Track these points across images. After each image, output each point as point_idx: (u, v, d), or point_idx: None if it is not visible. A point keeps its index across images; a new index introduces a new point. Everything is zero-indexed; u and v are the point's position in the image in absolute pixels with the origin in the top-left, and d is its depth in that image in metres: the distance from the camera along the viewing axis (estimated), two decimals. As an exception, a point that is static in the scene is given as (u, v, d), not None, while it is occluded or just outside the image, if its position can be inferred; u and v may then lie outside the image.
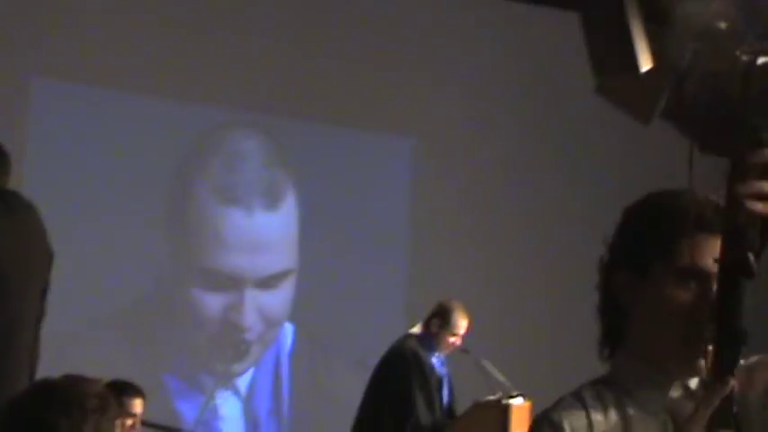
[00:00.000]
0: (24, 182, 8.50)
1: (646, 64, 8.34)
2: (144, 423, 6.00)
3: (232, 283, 9.54)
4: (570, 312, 10.56)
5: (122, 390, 5.71)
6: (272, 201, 9.73)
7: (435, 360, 7.32)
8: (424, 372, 7.12)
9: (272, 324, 9.69)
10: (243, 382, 9.68)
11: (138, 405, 5.91)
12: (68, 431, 2.16)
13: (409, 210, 10.26)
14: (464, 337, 7.37)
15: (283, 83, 9.75)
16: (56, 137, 9.13)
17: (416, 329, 7.42)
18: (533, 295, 10.46)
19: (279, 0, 9.88)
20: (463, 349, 7.33)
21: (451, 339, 7.28)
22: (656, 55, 8.47)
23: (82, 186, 9.12)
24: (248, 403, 9.63)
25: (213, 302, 9.52)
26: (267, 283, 9.66)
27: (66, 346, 8.60)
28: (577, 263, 10.55)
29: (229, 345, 9.57)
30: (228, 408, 9.62)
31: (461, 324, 7.28)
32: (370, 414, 7.16)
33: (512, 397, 7.01)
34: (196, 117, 9.63)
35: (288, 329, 9.80)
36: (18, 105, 9.04)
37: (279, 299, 9.74)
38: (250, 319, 9.55)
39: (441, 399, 7.25)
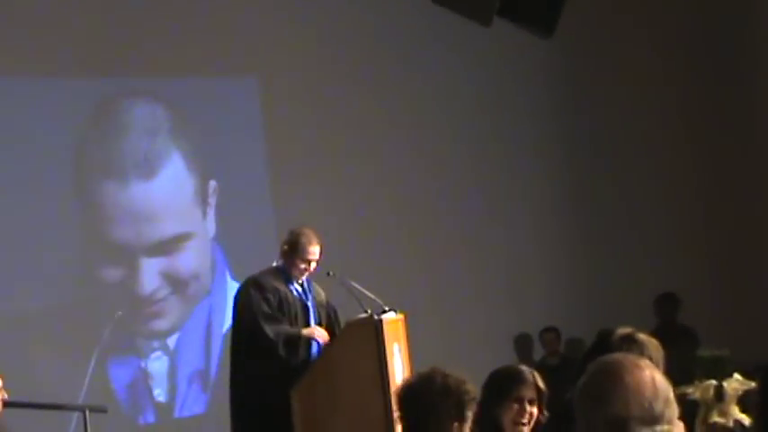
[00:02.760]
0: None
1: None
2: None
3: (125, 254, 9.52)
4: (436, 224, 10.74)
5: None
6: (148, 170, 9.67)
7: (293, 288, 7.35)
8: (265, 296, 7.17)
9: (180, 284, 9.66)
10: (171, 342, 9.70)
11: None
12: None
13: (265, 146, 10.29)
14: (325, 262, 7.38)
15: (122, 45, 9.66)
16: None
17: (276, 262, 7.47)
18: (398, 214, 10.56)
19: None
20: (327, 273, 7.34)
21: (302, 265, 7.29)
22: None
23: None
24: (174, 361, 9.64)
25: (115, 275, 9.49)
26: (160, 249, 9.63)
27: None
28: (436, 175, 10.79)
29: (145, 310, 9.58)
30: (157, 366, 9.65)
31: (310, 250, 7.29)
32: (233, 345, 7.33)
33: (384, 312, 7.02)
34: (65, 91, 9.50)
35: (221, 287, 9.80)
36: None
37: (182, 260, 9.73)
38: (151, 285, 9.52)
39: (306, 323, 7.29)
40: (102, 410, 7.76)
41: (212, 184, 9.93)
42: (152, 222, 9.65)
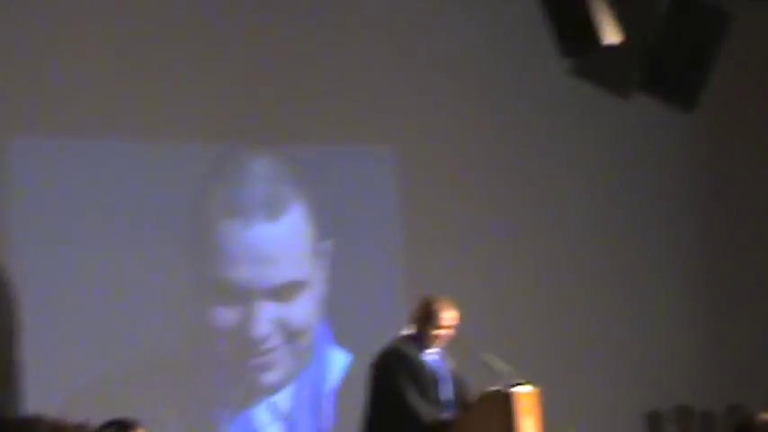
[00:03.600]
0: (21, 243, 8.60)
1: (612, 38, 8.31)
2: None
3: (241, 295, 9.61)
4: (568, 299, 10.65)
5: (124, 426, 5.67)
6: (271, 213, 9.77)
7: (428, 358, 7.27)
8: (410, 367, 7.09)
9: (292, 335, 9.73)
10: (283, 400, 9.74)
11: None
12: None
13: (400, 214, 10.33)
14: (460, 331, 7.31)
15: (263, 111, 9.83)
16: (43, 193, 9.18)
17: (407, 331, 7.40)
18: (530, 286, 10.49)
19: (249, 34, 9.91)
20: (457, 343, 7.28)
21: (436, 332, 7.22)
22: (624, 27, 8.44)
23: (85, 234, 9.20)
24: (288, 421, 9.70)
25: (229, 319, 9.60)
26: (277, 293, 9.70)
27: (108, 390, 8.76)
28: (571, 250, 10.72)
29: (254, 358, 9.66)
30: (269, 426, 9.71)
31: (445, 316, 7.22)
32: (370, 416, 7.21)
33: (516, 385, 6.93)
34: (184, 154, 9.68)
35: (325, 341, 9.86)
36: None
37: (295, 309, 9.80)
38: (264, 330, 9.59)
39: (438, 394, 7.20)
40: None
41: (327, 244, 9.99)
42: (271, 265, 9.71)
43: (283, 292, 9.76)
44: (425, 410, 6.96)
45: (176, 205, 9.54)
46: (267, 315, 9.68)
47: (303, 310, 9.89)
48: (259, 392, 9.71)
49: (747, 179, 11.40)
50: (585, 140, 10.96)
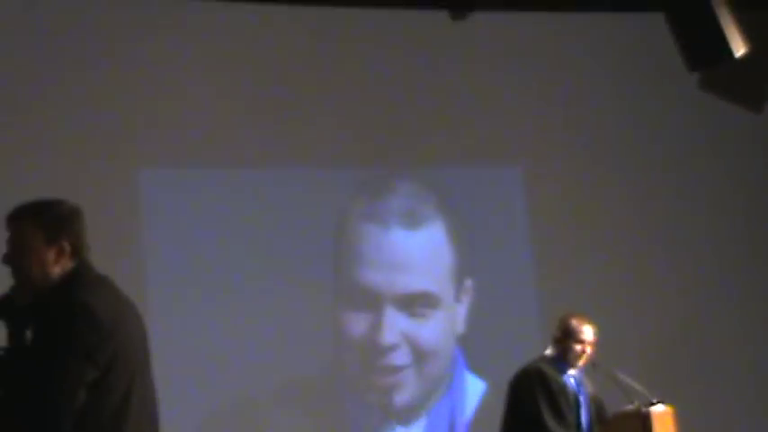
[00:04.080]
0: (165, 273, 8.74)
1: (740, 49, 8.18)
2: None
3: (371, 300, 9.62)
4: (701, 313, 10.49)
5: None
6: (411, 221, 9.84)
7: (568, 378, 7.19)
8: (549, 388, 7.01)
9: (422, 355, 9.75)
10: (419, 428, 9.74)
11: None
12: None
13: (529, 233, 10.29)
14: (595, 351, 7.23)
15: (394, 137, 9.92)
16: (173, 223, 9.33)
17: (548, 351, 7.33)
18: (663, 302, 10.36)
19: (370, 57, 10.01)
20: (592, 363, 7.19)
21: (578, 347, 7.13)
22: (753, 39, 8.30)
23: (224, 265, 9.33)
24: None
25: (359, 324, 9.64)
26: (409, 303, 9.74)
27: (247, 414, 8.85)
28: (701, 266, 10.56)
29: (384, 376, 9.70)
30: None
31: (583, 329, 7.13)
32: None
33: (651, 404, 6.85)
34: (326, 179, 9.81)
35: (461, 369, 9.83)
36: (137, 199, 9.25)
37: (426, 326, 9.81)
38: (391, 339, 9.63)
39: (579, 416, 7.12)
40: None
41: (469, 283, 9.98)
42: (406, 273, 9.74)
43: (415, 304, 9.77)
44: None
45: (318, 229, 9.62)
46: (397, 324, 9.70)
47: (435, 330, 9.89)
48: (393, 416, 9.71)
49: None
50: (713, 157, 10.79)
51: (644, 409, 6.79)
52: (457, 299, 9.96)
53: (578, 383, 7.21)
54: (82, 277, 4.11)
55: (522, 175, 10.34)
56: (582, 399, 7.17)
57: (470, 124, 10.10)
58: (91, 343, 3.93)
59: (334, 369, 9.55)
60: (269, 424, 9.01)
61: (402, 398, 9.67)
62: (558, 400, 6.98)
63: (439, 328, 9.88)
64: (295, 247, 9.49)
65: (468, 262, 10.05)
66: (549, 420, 6.90)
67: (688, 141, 10.77)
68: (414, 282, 9.78)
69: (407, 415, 9.76)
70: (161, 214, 9.21)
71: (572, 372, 7.19)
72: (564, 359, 7.17)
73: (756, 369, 10.58)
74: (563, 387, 7.08)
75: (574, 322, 7.17)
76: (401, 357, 9.65)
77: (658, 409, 6.83)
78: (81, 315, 3.95)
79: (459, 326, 9.90)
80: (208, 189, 9.37)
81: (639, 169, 10.60)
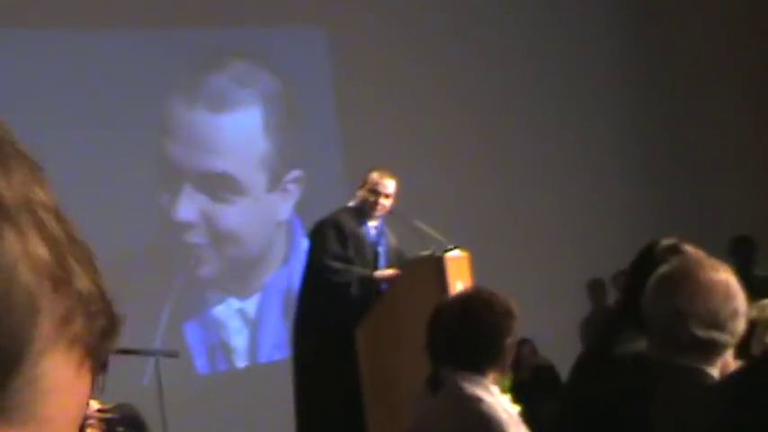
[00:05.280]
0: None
1: None
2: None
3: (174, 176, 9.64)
4: (502, 160, 10.74)
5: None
6: (219, 104, 9.81)
7: (368, 228, 7.31)
8: (342, 233, 7.14)
9: (221, 236, 9.77)
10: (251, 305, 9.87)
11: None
12: None
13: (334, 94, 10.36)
14: (396, 202, 7.34)
15: None
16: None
17: (350, 203, 7.43)
18: (469, 154, 10.56)
19: None
20: (390, 212, 7.32)
21: (375, 199, 7.23)
22: None
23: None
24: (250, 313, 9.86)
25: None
26: (207, 184, 9.69)
27: None
28: (496, 117, 10.79)
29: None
30: (234, 326, 9.83)
31: (383, 182, 7.23)
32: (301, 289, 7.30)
33: (448, 250, 6.98)
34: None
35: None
36: None
37: (230, 213, 9.82)
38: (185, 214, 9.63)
39: (376, 265, 7.26)
40: (174, 355, 7.86)
41: (295, 173, 9.99)
42: (208, 154, 9.74)
43: (217, 187, 9.75)
44: (345, 270, 7.03)
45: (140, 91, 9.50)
46: (195, 203, 9.69)
47: (239, 215, 9.87)
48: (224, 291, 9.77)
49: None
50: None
51: (438, 254, 6.91)
52: (271, 188, 9.97)
53: (379, 234, 7.33)
54: None
55: (327, 36, 10.38)
56: (381, 249, 7.31)
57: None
58: None
59: (145, 240, 9.51)
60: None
61: (203, 274, 9.69)
62: (346, 243, 7.10)
63: (244, 214, 9.87)
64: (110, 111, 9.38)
65: (290, 153, 10.09)
66: (336, 264, 7.03)
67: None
68: (214, 164, 9.74)
69: (238, 288, 9.81)
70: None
71: (372, 222, 7.30)
72: (364, 210, 7.28)
73: (562, 220, 10.88)
74: (360, 237, 7.19)
75: (374, 175, 7.27)
76: (196, 236, 9.66)
77: (453, 254, 6.96)
78: None
79: (282, 214, 9.92)
80: (13, 47, 9.13)
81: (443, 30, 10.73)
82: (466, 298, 3.96)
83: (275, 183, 10.09)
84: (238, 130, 9.96)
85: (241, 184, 9.92)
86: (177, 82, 9.77)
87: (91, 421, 5.32)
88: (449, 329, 3.86)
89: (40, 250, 0.65)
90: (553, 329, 9.49)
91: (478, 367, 3.84)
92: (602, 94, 11.36)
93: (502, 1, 11.05)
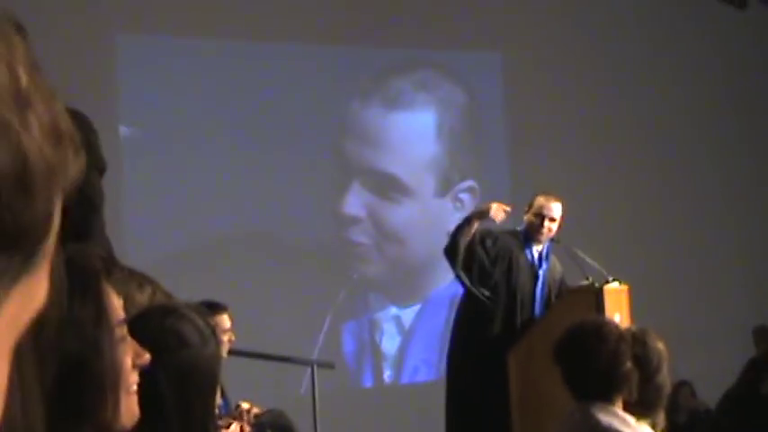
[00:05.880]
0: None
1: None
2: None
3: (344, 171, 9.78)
4: (669, 200, 10.60)
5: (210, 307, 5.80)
6: (394, 101, 9.96)
7: (529, 251, 7.32)
8: (484, 244, 7.17)
9: (387, 237, 9.85)
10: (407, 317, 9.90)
11: (225, 320, 6.04)
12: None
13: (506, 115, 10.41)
14: (561, 229, 7.33)
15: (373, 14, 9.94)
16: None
17: (519, 227, 7.47)
18: (628, 185, 10.48)
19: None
20: (552, 239, 7.30)
21: (538, 222, 7.22)
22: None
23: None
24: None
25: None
26: (376, 183, 9.80)
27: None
28: (669, 150, 10.65)
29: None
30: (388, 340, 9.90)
31: (548, 205, 7.20)
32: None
33: (607, 282, 6.96)
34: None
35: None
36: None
37: (396, 212, 9.90)
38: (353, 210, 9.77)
39: (534, 289, 7.27)
40: (330, 366, 7.96)
41: (468, 183, 10.05)
42: (380, 152, 9.85)
43: (386, 187, 9.86)
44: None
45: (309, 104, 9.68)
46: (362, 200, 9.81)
47: (403, 215, 9.96)
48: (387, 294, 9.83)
49: None
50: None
51: (597, 285, 6.89)
52: (440, 194, 10.04)
53: (541, 258, 7.33)
54: None
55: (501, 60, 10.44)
56: (540, 272, 7.30)
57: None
58: None
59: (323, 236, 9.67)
60: (239, 266, 9.16)
61: (364, 273, 9.80)
62: (492, 263, 7.13)
63: (408, 215, 9.94)
64: (290, 122, 9.57)
65: (461, 161, 10.16)
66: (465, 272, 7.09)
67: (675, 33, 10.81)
68: (385, 163, 9.86)
69: (399, 296, 9.89)
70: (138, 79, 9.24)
71: (537, 246, 7.31)
72: (529, 234, 7.30)
73: (720, 262, 10.71)
74: (515, 256, 7.20)
75: (541, 199, 7.28)
76: (361, 234, 9.79)
77: (612, 286, 6.94)
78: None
79: (452, 223, 9.90)
80: (193, 58, 9.40)
81: (624, 56, 10.68)
82: (574, 330, 4.04)
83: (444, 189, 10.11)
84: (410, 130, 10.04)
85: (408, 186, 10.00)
86: (358, 87, 9.92)
87: (242, 422, 5.45)
88: (566, 362, 3.96)
89: None
90: (714, 373, 9.32)
91: (604, 396, 3.92)
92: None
93: (684, 28, 10.91)
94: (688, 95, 10.89)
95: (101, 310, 1.73)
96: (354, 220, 9.80)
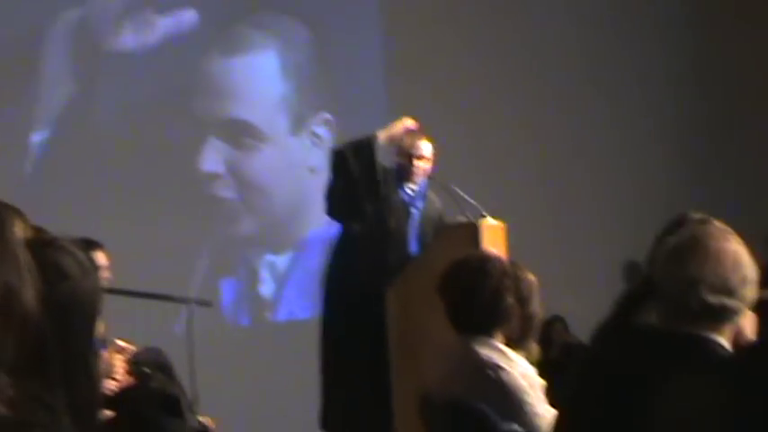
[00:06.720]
0: None
1: None
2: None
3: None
4: (541, 137, 10.68)
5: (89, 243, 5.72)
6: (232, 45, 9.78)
7: (403, 192, 7.34)
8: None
9: (253, 189, 9.77)
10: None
11: (101, 257, 5.98)
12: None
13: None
14: (435, 166, 7.35)
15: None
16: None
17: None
18: (509, 124, 10.54)
19: None
20: (429, 177, 7.34)
21: (407, 162, 7.25)
22: None
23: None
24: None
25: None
26: (230, 133, 9.68)
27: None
28: (545, 76, 10.71)
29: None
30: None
31: (417, 145, 7.25)
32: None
33: (483, 217, 6.99)
34: None
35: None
36: None
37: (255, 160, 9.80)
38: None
39: (407, 226, 7.30)
40: (208, 304, 7.92)
41: (325, 116, 9.94)
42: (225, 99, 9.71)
43: (239, 133, 9.74)
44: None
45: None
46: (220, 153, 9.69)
47: (264, 163, 9.84)
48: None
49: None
50: None
51: (474, 221, 6.93)
52: (295, 132, 9.91)
53: (416, 197, 7.35)
54: None
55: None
56: (414, 210, 7.32)
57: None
58: None
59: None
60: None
61: (236, 230, 9.71)
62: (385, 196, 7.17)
63: (268, 162, 9.83)
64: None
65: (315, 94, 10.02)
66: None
67: None
68: (231, 109, 9.74)
69: (273, 241, 9.83)
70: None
71: (411, 185, 7.33)
72: (402, 173, 7.30)
73: (595, 201, 10.84)
74: (392, 200, 7.22)
75: (408, 139, 7.30)
76: (224, 189, 9.66)
77: (489, 222, 6.97)
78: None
79: (311, 159, 9.82)
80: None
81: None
82: (459, 265, 4.09)
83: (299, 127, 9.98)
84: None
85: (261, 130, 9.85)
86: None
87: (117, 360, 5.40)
88: (450, 297, 4.01)
89: None
90: (587, 308, 9.43)
91: (486, 330, 3.97)
92: (646, 72, 11.25)
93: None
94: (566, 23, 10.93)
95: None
96: (215, 176, 9.64)
